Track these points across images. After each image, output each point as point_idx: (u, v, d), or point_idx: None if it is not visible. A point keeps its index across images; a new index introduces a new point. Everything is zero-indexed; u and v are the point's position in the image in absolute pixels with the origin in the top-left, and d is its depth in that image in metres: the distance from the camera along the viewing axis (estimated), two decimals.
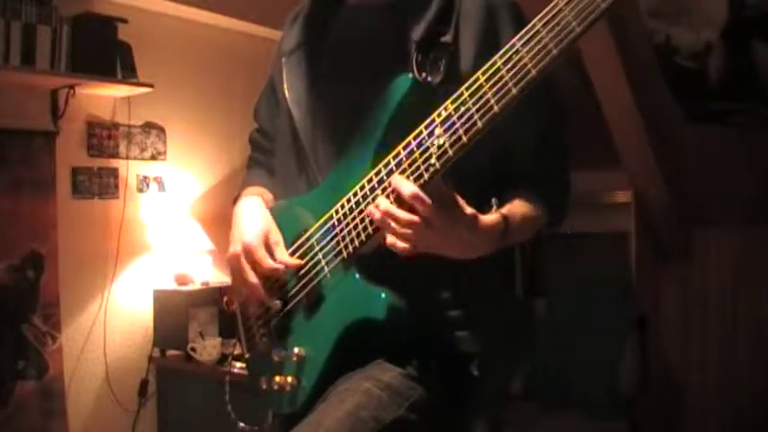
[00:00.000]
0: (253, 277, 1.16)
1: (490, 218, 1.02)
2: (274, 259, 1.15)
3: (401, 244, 0.97)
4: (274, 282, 1.18)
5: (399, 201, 0.97)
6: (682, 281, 3.24)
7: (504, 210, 1.06)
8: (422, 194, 0.94)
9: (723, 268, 3.12)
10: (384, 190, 1.02)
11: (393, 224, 0.96)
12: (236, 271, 1.19)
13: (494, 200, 1.04)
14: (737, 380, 3.06)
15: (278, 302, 1.18)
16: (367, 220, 1.04)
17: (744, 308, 3.08)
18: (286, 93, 1.24)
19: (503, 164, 1.14)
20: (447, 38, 1.09)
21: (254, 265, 1.16)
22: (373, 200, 1.03)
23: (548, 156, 1.18)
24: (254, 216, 1.22)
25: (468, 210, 0.97)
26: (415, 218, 0.95)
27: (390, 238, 0.98)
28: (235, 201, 1.32)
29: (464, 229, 0.97)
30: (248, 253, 1.16)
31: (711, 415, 3.12)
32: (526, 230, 1.13)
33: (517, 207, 1.09)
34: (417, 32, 1.10)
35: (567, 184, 1.22)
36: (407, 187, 0.95)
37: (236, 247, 1.19)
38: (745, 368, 3.05)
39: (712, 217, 3.09)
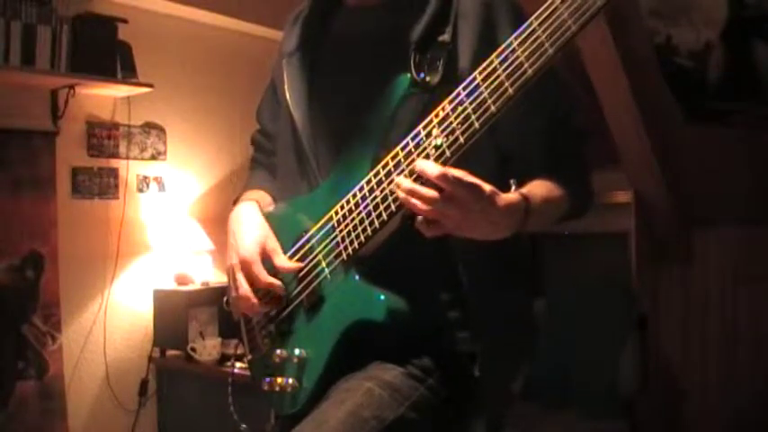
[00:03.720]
0: (248, 292, 1.16)
1: (510, 195, 1.00)
2: (273, 265, 1.15)
3: (428, 225, 0.95)
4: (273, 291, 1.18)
5: (422, 183, 0.96)
6: (682, 281, 3.23)
7: (524, 190, 1.04)
8: (449, 172, 0.92)
9: (723, 268, 3.12)
10: (383, 191, 1.02)
11: (416, 202, 0.95)
12: (233, 282, 1.19)
13: (512, 180, 1.03)
14: (737, 380, 3.06)
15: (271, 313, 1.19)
16: (366, 221, 1.04)
17: (744, 308, 3.07)
18: (287, 94, 1.24)
19: (514, 162, 1.13)
20: (445, 37, 1.08)
21: (251, 279, 1.16)
22: (372, 201, 1.03)
23: (561, 144, 1.15)
24: (250, 225, 1.22)
25: (487, 185, 0.96)
26: (436, 194, 0.93)
27: (419, 220, 0.96)
28: (234, 203, 1.32)
29: (486, 203, 0.95)
30: (245, 266, 1.16)
31: (711, 415, 3.12)
32: (550, 212, 1.10)
33: (536, 188, 1.07)
34: (415, 32, 1.10)
35: (586, 171, 1.20)
36: (433, 169, 0.93)
37: (232, 260, 1.19)
38: (745, 368, 3.04)
39: (712, 217, 3.08)
